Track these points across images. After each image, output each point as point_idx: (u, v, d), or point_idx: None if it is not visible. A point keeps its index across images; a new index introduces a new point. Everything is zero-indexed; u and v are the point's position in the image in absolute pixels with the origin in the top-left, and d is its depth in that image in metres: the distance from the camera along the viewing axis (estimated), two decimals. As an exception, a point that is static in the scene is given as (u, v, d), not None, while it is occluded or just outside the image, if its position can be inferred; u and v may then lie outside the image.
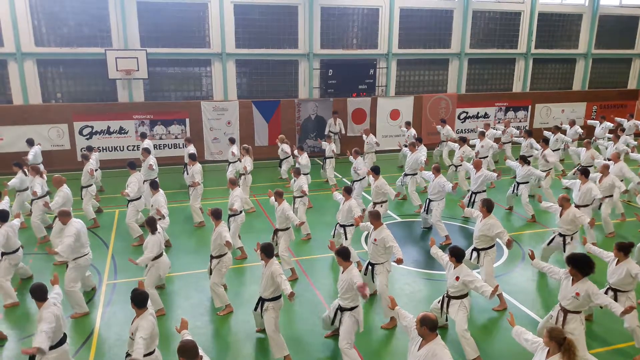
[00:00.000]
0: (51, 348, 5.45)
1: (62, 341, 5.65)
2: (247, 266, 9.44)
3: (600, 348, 6.87)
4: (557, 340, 4.64)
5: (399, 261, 7.10)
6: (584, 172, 10.12)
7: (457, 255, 6.45)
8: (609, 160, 11.95)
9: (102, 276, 9.02)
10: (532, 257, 6.89)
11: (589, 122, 18.36)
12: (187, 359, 4.57)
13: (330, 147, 14.47)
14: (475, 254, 8.00)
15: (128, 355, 5.65)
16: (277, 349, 6.50)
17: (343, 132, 18.04)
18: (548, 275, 6.66)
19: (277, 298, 6.56)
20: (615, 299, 6.54)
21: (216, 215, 7.82)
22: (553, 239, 8.75)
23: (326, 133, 17.65)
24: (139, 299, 5.44)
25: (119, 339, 7.08)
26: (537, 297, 8.39)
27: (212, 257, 7.86)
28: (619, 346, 6.91)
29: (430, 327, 4.81)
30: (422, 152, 13.02)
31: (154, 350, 5.51)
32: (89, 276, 8.46)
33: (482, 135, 14.62)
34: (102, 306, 8.00)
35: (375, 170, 10.23)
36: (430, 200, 10.71)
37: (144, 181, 10.98)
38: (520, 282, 8.84)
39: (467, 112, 20.24)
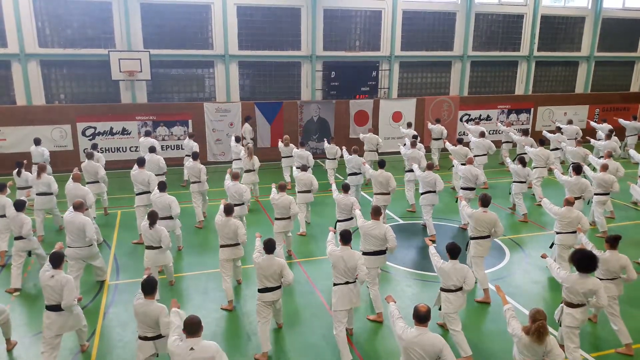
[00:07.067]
0: None
1: None
2: (247, 267, 9.44)
3: (608, 350, 6.88)
4: (534, 319, 4.94)
5: None
6: (576, 168, 10.56)
7: (450, 251, 6.63)
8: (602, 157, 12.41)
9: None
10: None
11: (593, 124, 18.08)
12: (190, 333, 4.86)
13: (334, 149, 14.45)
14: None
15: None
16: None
17: (249, 140, 16.30)
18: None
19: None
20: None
21: (228, 210, 7.97)
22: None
23: (247, 141, 16.14)
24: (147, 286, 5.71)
25: (121, 339, 7.08)
26: (539, 299, 8.36)
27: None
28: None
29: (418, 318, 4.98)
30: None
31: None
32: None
33: (482, 134, 15.03)
34: (103, 307, 8.00)
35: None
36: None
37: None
38: (523, 285, 8.82)
39: (469, 115, 20.22)
